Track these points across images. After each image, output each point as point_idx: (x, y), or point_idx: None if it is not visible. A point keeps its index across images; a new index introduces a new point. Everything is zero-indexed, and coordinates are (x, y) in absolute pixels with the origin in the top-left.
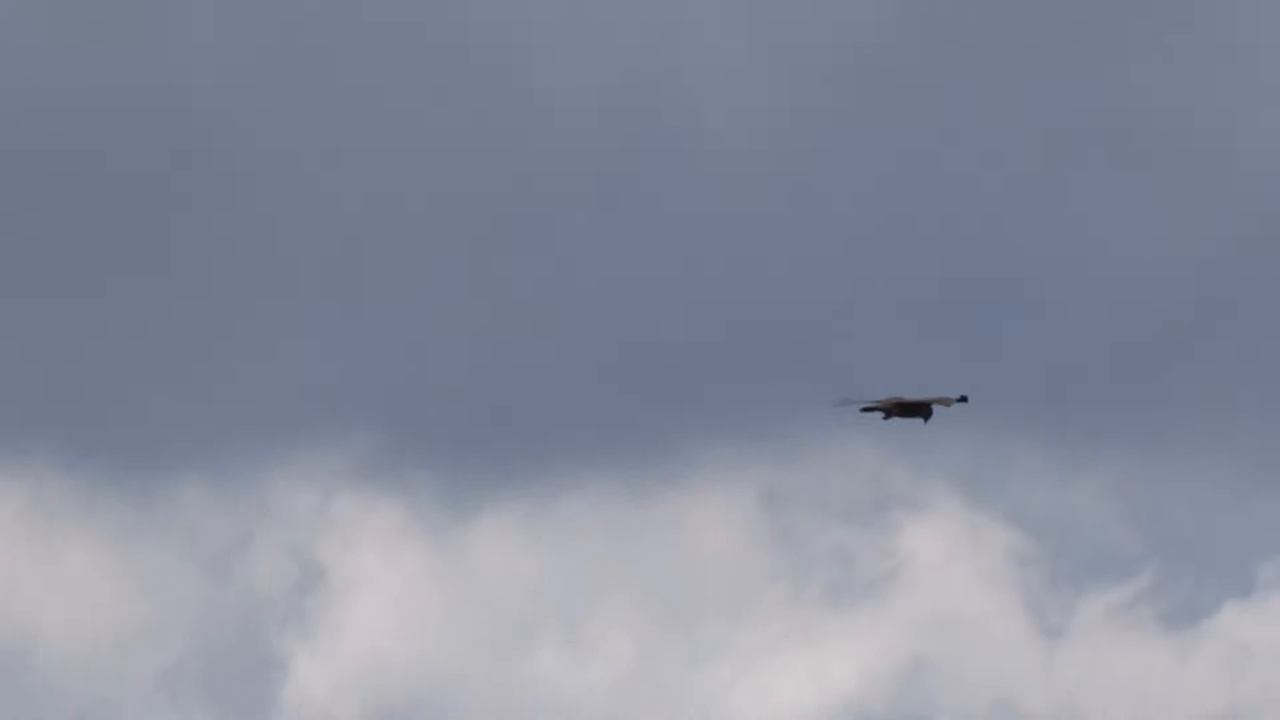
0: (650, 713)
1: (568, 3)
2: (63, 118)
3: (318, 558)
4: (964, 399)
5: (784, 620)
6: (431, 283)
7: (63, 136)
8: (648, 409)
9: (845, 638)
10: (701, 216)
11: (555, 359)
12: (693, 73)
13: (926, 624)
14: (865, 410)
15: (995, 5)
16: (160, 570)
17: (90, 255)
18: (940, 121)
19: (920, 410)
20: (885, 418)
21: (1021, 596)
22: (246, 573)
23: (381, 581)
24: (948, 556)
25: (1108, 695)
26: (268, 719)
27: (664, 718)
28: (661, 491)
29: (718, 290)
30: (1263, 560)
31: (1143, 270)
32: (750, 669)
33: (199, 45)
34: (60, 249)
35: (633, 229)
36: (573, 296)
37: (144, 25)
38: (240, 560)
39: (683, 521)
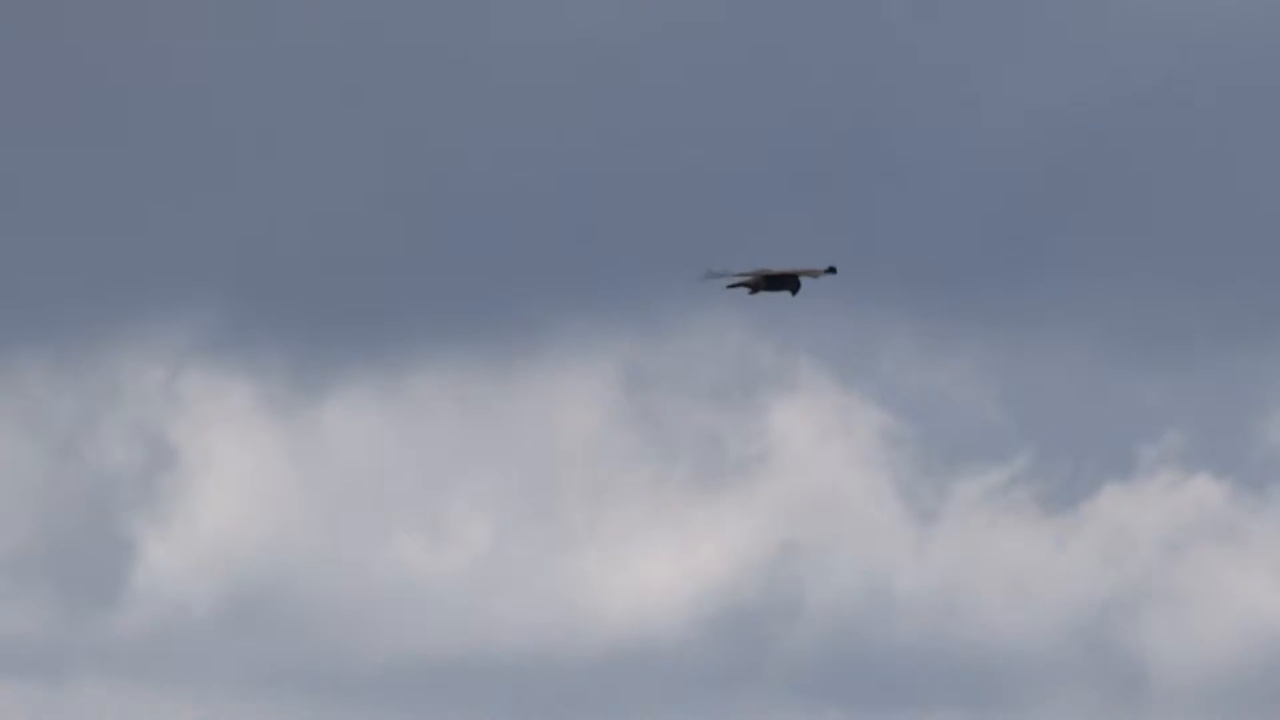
0: (512, 598)
1: None
2: None
3: (165, 436)
4: (832, 270)
5: (649, 504)
6: (281, 152)
7: None
8: (504, 283)
9: (713, 522)
10: (557, 86)
11: (408, 231)
12: None
13: (796, 507)
14: (732, 285)
15: None
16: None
17: None
18: None
19: (788, 283)
20: (752, 292)
21: (894, 479)
22: (91, 452)
23: (232, 461)
24: (818, 438)
25: (984, 580)
26: (117, 603)
27: (526, 603)
28: (521, 369)
29: (572, 159)
30: (1143, 441)
31: (1011, 135)
32: (615, 554)
33: None
34: None
35: (490, 99)
36: (427, 165)
37: None
38: (85, 439)
39: (543, 401)
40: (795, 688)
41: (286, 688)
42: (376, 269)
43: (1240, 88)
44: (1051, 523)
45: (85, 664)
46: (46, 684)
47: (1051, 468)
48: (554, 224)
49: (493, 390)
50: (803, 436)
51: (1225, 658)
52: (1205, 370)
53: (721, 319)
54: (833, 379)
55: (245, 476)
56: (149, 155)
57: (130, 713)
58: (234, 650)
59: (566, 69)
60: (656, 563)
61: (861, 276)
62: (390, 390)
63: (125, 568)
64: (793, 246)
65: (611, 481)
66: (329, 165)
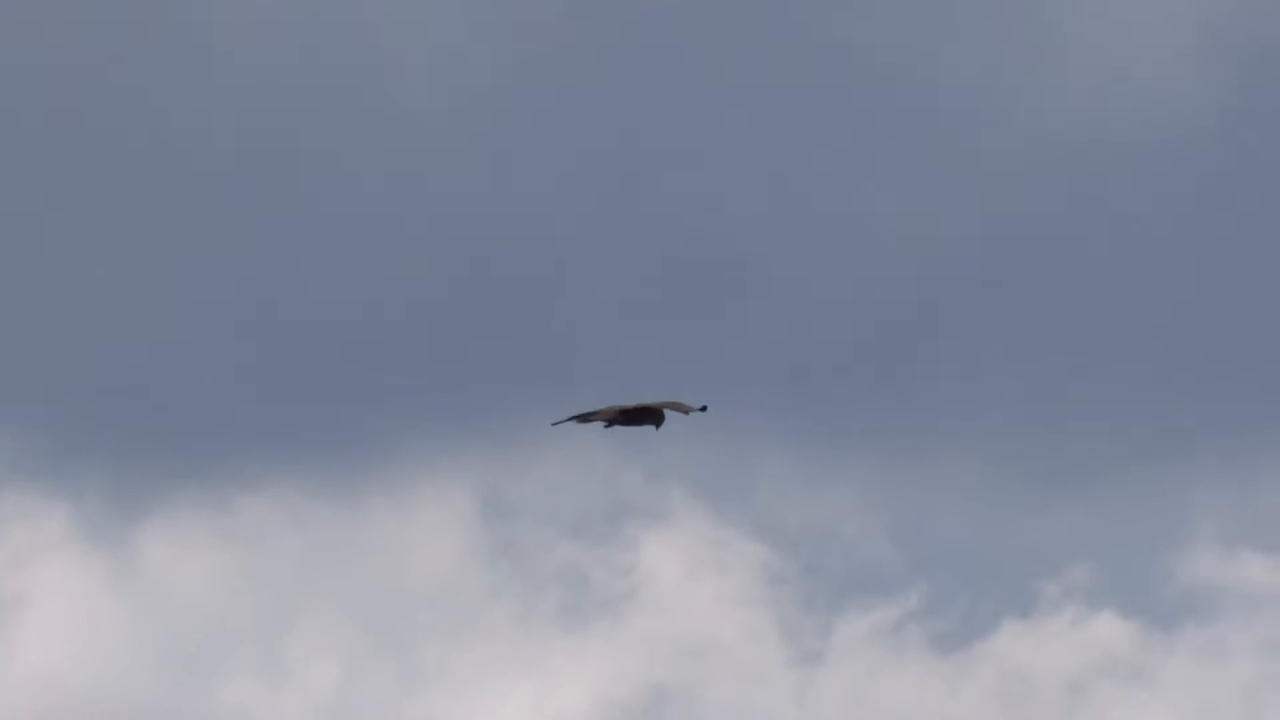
0: None
1: None
2: None
3: None
4: (704, 408)
5: (508, 642)
6: (99, 270)
7: None
8: (347, 404)
9: (577, 662)
10: (400, 191)
11: (239, 349)
12: (380, 31)
13: (667, 648)
14: (584, 420)
15: None
16: None
17: None
18: (651, 83)
19: (651, 415)
20: (606, 425)
21: (773, 618)
22: None
23: (53, 595)
24: (690, 574)
25: None
26: None
27: None
28: (366, 496)
29: (418, 278)
30: (1041, 577)
31: (882, 246)
32: (471, 696)
33: None
34: None
35: (325, 208)
36: (259, 282)
37: None
38: None
39: (390, 530)
40: None
41: None
42: (202, 390)
43: (1137, 193)
44: (944, 664)
45: None
46: None
47: (945, 605)
48: (397, 344)
49: (334, 517)
50: (673, 572)
51: None
52: (1110, 498)
53: (586, 446)
54: (706, 510)
55: (64, 612)
56: None
57: None
58: None
59: (401, 176)
60: (515, 706)
61: (731, 400)
62: (222, 518)
63: None
64: (653, 374)
65: (466, 618)
66: (145, 263)
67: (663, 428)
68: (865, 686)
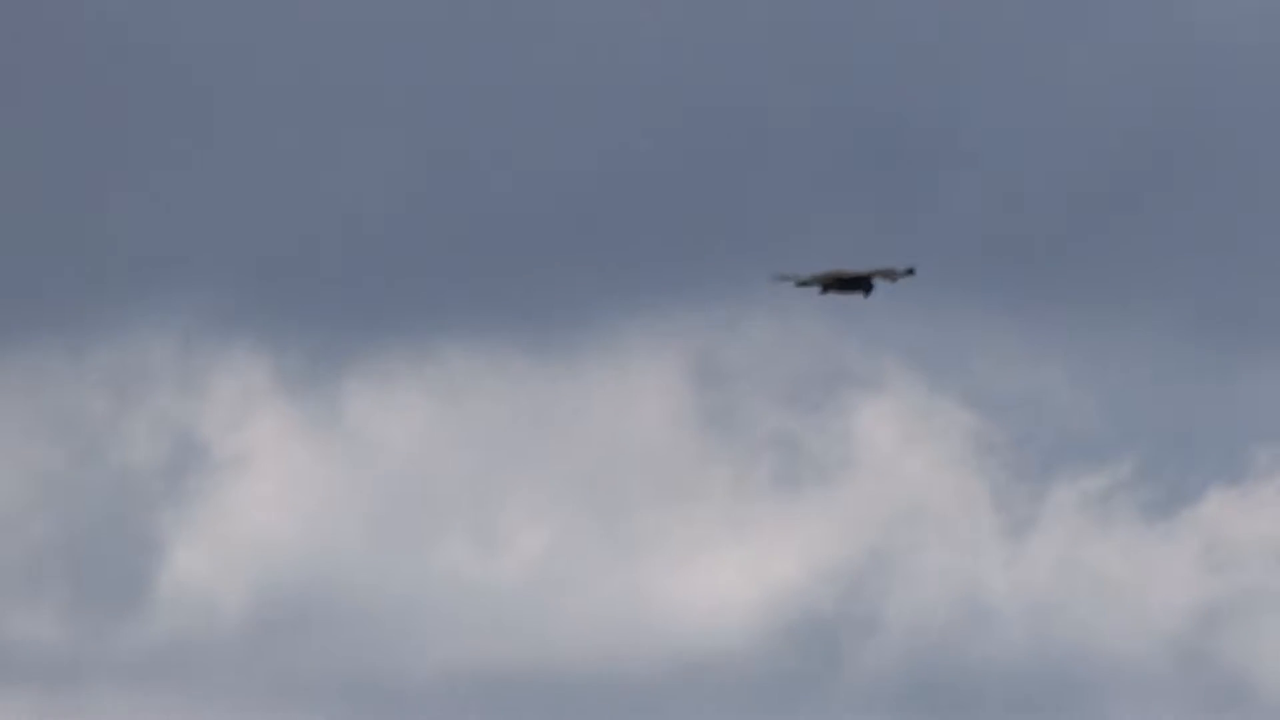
0: (573, 610)
1: None
2: None
3: (190, 429)
4: (911, 271)
5: (723, 509)
6: (307, 123)
7: None
8: (565, 273)
9: (790, 529)
10: (616, 62)
11: (453, 210)
12: None
13: (880, 515)
14: (801, 284)
15: None
16: (17, 444)
17: None
18: None
19: (861, 284)
20: (822, 291)
21: (985, 485)
22: (113, 446)
23: (264, 457)
24: (902, 440)
25: (1080, 592)
26: (142, 608)
27: (588, 615)
28: (582, 363)
29: (628, 152)
30: (1250, 443)
31: (1086, 111)
32: (685, 563)
33: None
34: None
35: (541, 76)
36: (475, 138)
37: None
38: (106, 433)
39: (606, 397)
40: (875, 704)
41: (326, 699)
42: (426, 253)
43: None
44: (1151, 531)
45: (103, 673)
46: (62, 693)
47: (1151, 473)
48: (610, 214)
49: (549, 385)
50: (886, 439)
51: None
52: None
53: (797, 318)
54: (916, 378)
55: (279, 473)
56: (158, 132)
57: None
58: (267, 660)
59: (622, 47)
60: (729, 572)
61: (939, 270)
62: (438, 382)
63: (149, 571)
64: (857, 246)
65: (681, 484)
66: (357, 132)
67: (872, 297)
68: (1075, 553)
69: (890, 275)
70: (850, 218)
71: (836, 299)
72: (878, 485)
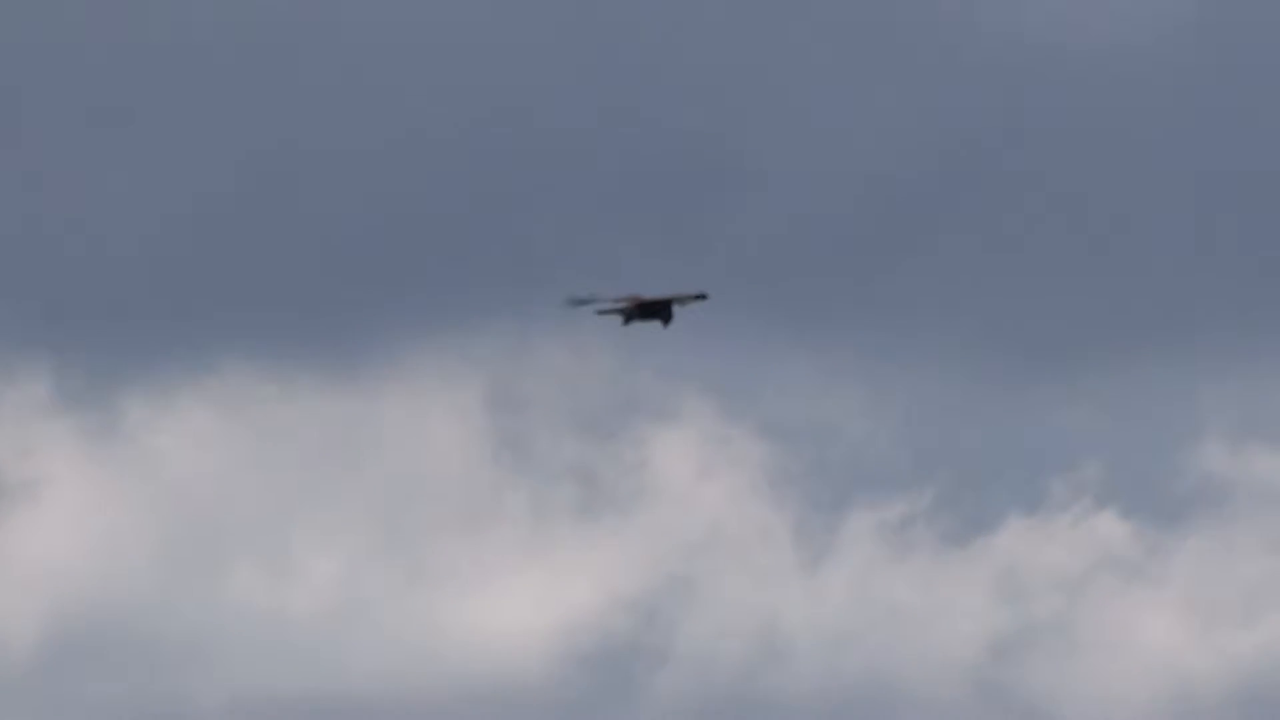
0: (366, 637)
1: None
2: None
3: None
4: (702, 296)
5: (517, 537)
6: (100, 132)
7: None
8: (359, 295)
9: (586, 558)
10: (405, 93)
11: (251, 240)
12: None
13: (675, 543)
14: (603, 312)
15: None
16: None
17: None
18: None
19: (662, 310)
20: (625, 322)
21: (782, 513)
22: None
23: (51, 483)
24: (699, 471)
25: (878, 621)
26: None
27: (381, 643)
28: (375, 388)
29: (423, 178)
30: (1045, 472)
31: (878, 134)
32: (478, 591)
33: None
34: None
35: (338, 96)
36: (268, 155)
37: None
38: None
39: (398, 422)
40: None
41: None
42: (204, 280)
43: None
44: (949, 559)
45: None
46: None
47: (948, 501)
48: (397, 242)
49: (340, 410)
50: (682, 468)
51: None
52: (1118, 394)
53: (590, 343)
54: (712, 407)
55: (67, 500)
56: None
57: None
58: (59, 691)
59: (407, 77)
60: (524, 600)
61: (730, 297)
62: (229, 408)
63: None
64: (647, 270)
65: (475, 512)
66: (135, 166)
67: (669, 325)
68: (871, 582)
69: (681, 300)
70: (639, 241)
71: (635, 326)
72: (673, 514)
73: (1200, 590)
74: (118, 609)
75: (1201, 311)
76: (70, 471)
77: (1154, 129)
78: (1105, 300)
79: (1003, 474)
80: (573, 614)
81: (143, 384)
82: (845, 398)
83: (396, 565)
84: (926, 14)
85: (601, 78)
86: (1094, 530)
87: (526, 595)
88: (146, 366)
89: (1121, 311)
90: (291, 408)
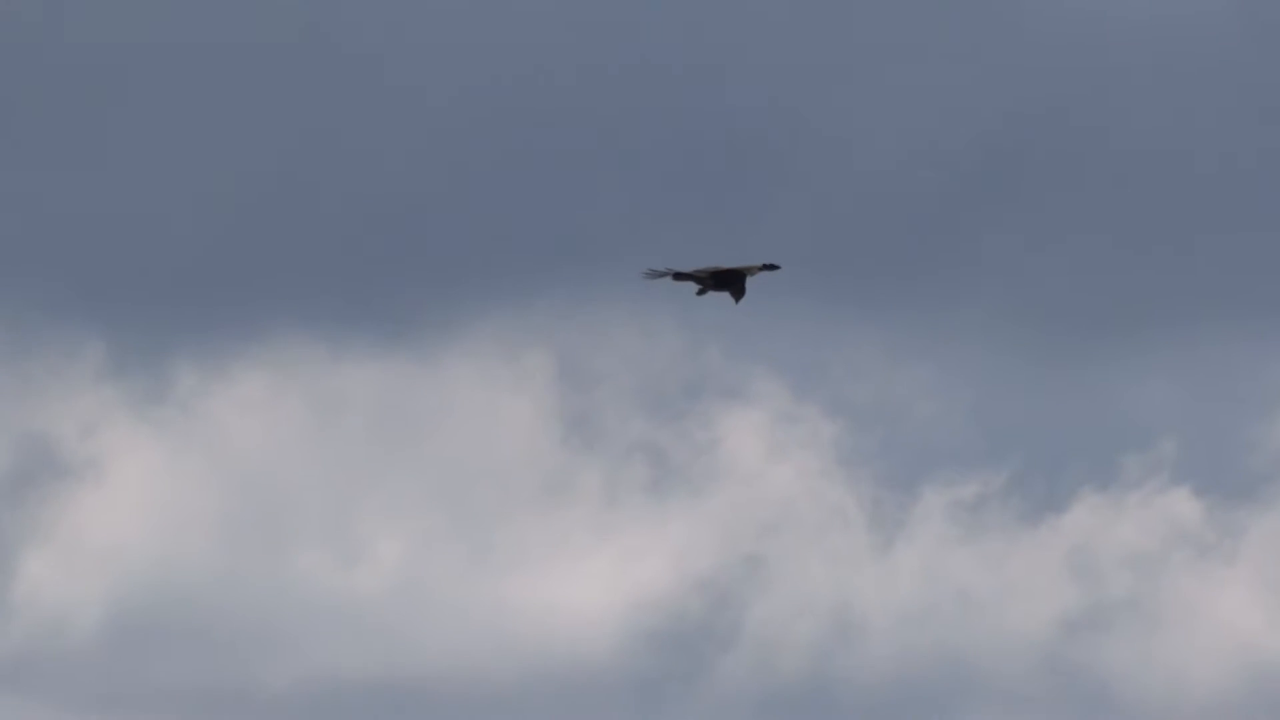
0: (434, 617)
1: None
2: None
3: (38, 433)
4: (774, 266)
5: (587, 516)
6: (143, 107)
7: None
8: (411, 270)
9: (655, 537)
10: (448, 83)
11: (305, 212)
12: None
13: (749, 522)
14: (679, 277)
15: None
16: None
17: None
18: None
19: (735, 280)
20: (700, 293)
21: (854, 493)
22: None
23: (111, 464)
24: (770, 448)
25: (951, 600)
26: None
27: (449, 623)
28: (438, 363)
29: (485, 152)
30: (1118, 451)
31: (943, 113)
32: (550, 570)
33: None
34: None
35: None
36: (332, 123)
37: None
38: None
39: (463, 398)
40: (741, 713)
41: (183, 710)
42: (262, 248)
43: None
44: (1022, 539)
45: None
46: None
47: (1022, 481)
48: (473, 208)
49: (404, 383)
50: (753, 447)
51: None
52: (1198, 365)
53: (662, 320)
54: (784, 386)
55: (126, 479)
56: None
57: None
58: (122, 670)
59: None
60: (595, 580)
61: (806, 273)
62: (290, 382)
63: None
64: (709, 249)
65: (545, 490)
66: (183, 138)
67: (740, 301)
68: (942, 561)
69: (750, 270)
70: (702, 216)
71: (705, 300)
72: (743, 493)
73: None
74: (179, 590)
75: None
76: (128, 451)
77: (1231, 92)
78: (1179, 273)
79: (1075, 451)
80: (643, 593)
81: (199, 357)
82: (915, 376)
83: (463, 543)
84: None
85: (669, 50)
86: (1169, 507)
87: (597, 574)
88: (202, 339)
89: (1194, 285)
90: (354, 383)
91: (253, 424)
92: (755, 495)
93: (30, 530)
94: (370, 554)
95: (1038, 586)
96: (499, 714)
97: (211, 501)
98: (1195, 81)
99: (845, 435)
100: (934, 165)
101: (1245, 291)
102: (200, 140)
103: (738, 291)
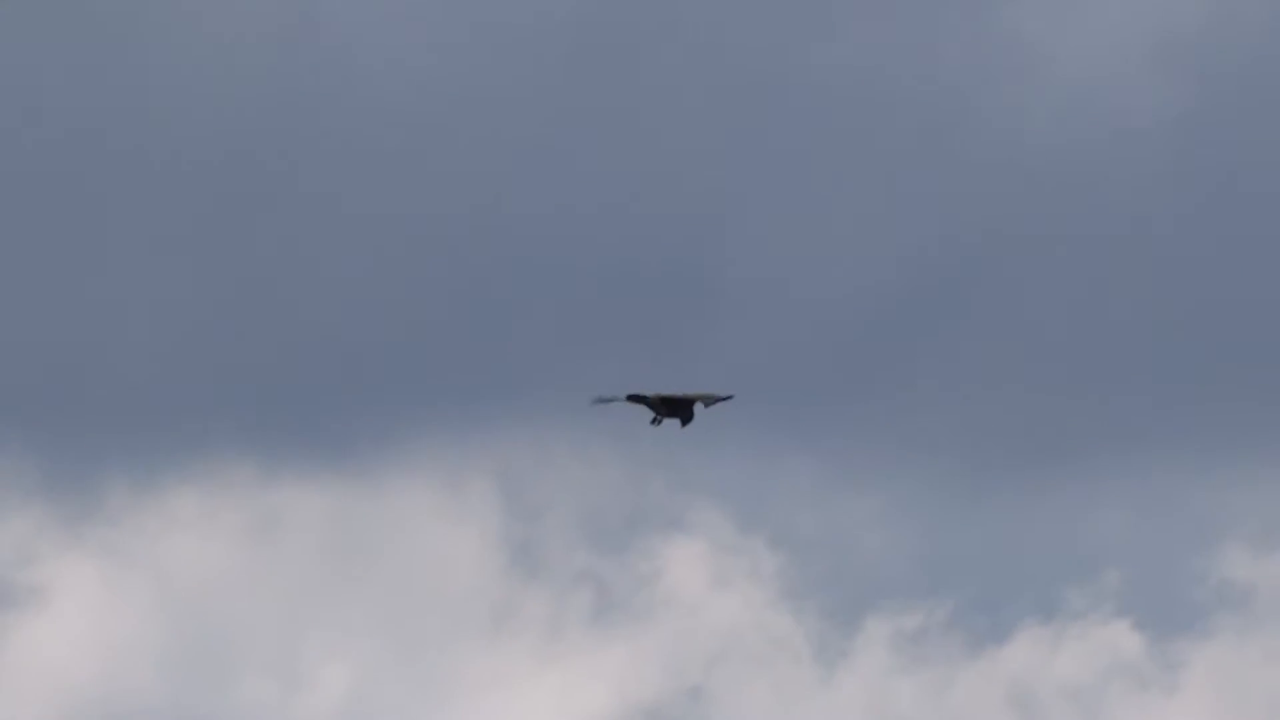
0: None
1: None
2: None
3: None
4: (729, 397)
5: (531, 646)
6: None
7: None
8: (354, 394)
9: (599, 668)
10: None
11: (231, 345)
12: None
13: (690, 652)
14: (633, 399)
15: None
16: None
17: None
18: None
19: (685, 407)
20: (654, 421)
21: (797, 624)
22: None
23: (57, 593)
24: (713, 580)
25: None
26: None
27: None
28: (379, 487)
29: (415, 265)
30: (1063, 582)
31: (874, 242)
32: (494, 698)
33: None
34: None
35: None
36: (259, 280)
37: None
38: None
39: (403, 529)
40: None
41: None
42: (196, 384)
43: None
44: (963, 669)
45: None
46: None
47: (965, 612)
48: (419, 327)
49: (345, 514)
50: (696, 579)
51: None
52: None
53: (603, 452)
54: (725, 518)
55: (65, 607)
56: None
57: None
58: None
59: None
60: (538, 709)
61: (747, 406)
62: (226, 511)
63: None
64: (643, 379)
65: (488, 619)
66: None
67: (687, 426)
68: (887, 691)
69: (708, 399)
70: (641, 346)
71: (646, 431)
72: (686, 624)
73: (1221, 699)
74: (122, 716)
75: (1222, 413)
76: (64, 576)
77: (1170, 220)
78: (1123, 404)
79: (1019, 582)
80: None
81: (138, 483)
82: (856, 508)
83: (406, 671)
84: (923, 110)
85: (605, 180)
86: (1111, 639)
87: (540, 703)
88: (143, 467)
89: (1139, 415)
90: (297, 512)
91: (191, 547)
92: (698, 625)
93: None
94: (312, 680)
95: (984, 717)
96: None
97: (151, 630)
98: (1136, 205)
99: (788, 566)
100: (872, 294)
101: (1189, 423)
102: (133, 255)
103: (687, 418)
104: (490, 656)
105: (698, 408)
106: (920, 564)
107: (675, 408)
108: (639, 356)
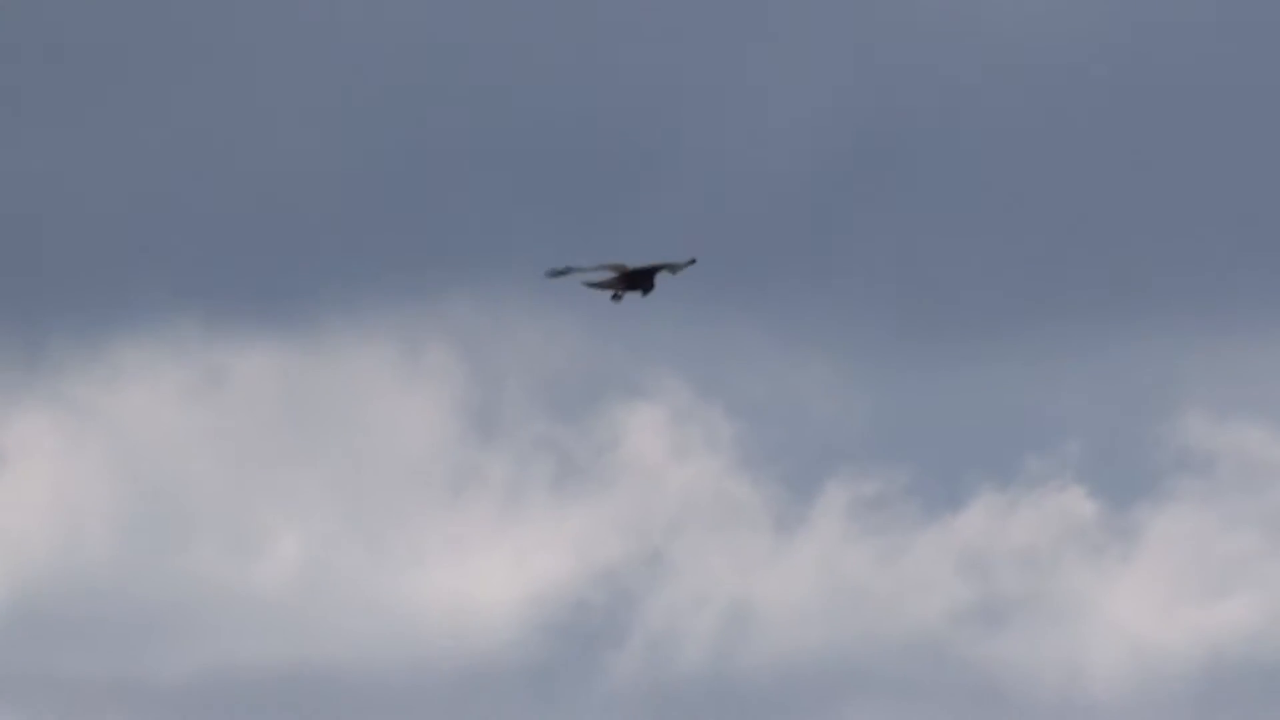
0: (333, 608)
1: None
2: None
3: None
4: (693, 261)
5: (487, 511)
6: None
7: None
8: (303, 265)
9: (555, 532)
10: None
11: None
12: None
13: (648, 516)
14: (590, 285)
15: None
16: None
17: None
18: None
19: (645, 280)
20: (614, 298)
21: (754, 489)
22: None
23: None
24: (670, 446)
25: (850, 595)
26: None
27: (349, 616)
28: (338, 356)
29: (378, 134)
30: (1016, 447)
31: (829, 97)
32: (448, 565)
33: None
34: None
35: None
36: (227, 131)
37: None
38: None
39: (364, 393)
40: (640, 706)
41: (82, 701)
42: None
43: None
44: (919, 534)
45: None
46: None
47: (920, 478)
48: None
49: (297, 378)
50: (653, 444)
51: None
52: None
53: (562, 319)
54: (684, 384)
55: (17, 468)
56: None
57: None
58: (20, 666)
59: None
60: (494, 574)
61: (703, 273)
62: (184, 373)
63: None
64: (585, 249)
65: (445, 487)
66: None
67: (648, 295)
68: (842, 558)
69: (673, 267)
70: (592, 215)
71: (605, 298)
72: (646, 490)
73: (1174, 566)
74: (73, 580)
75: (1180, 278)
76: (17, 442)
77: (1133, 79)
78: (1080, 267)
79: (975, 449)
80: (544, 586)
81: (92, 347)
82: (810, 374)
83: (362, 536)
84: None
85: (564, 49)
86: (1069, 505)
87: (498, 567)
88: (97, 330)
89: (1096, 280)
90: (253, 374)
91: (138, 406)
92: (659, 491)
93: None
94: (265, 545)
95: (939, 583)
96: (399, 706)
97: (107, 495)
98: (1101, 66)
99: (746, 433)
100: (821, 156)
101: (1150, 286)
102: (78, 106)
103: (648, 288)
104: (447, 523)
105: (664, 275)
106: (879, 431)
107: (636, 280)
108: (590, 227)
